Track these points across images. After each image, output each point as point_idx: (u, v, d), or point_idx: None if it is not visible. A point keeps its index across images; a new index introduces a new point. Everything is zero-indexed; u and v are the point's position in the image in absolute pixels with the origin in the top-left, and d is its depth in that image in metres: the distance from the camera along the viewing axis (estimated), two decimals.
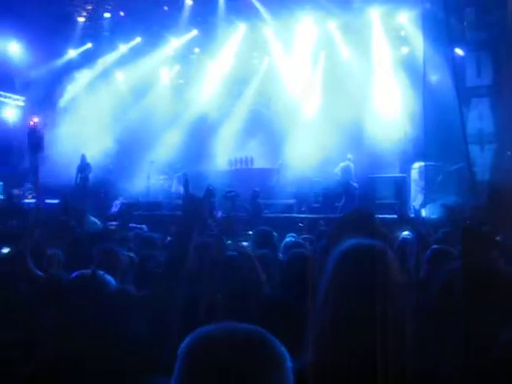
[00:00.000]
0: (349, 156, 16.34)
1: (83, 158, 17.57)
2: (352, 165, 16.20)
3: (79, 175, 17.50)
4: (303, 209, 16.01)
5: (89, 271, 2.52)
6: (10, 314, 3.08)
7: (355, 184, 15.82)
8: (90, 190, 17.32)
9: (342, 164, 16.18)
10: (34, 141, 15.98)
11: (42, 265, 4.00)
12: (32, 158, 17.97)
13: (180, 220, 2.17)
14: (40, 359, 2.22)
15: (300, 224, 10.55)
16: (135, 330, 2.10)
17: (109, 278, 2.53)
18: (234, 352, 1.30)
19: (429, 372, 1.82)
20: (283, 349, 1.36)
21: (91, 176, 17.56)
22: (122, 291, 2.45)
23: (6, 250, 4.36)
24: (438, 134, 13.58)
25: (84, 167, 17.50)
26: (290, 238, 6.47)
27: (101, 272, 2.52)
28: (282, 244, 6.01)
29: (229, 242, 5.77)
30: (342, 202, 15.30)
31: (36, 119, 16.62)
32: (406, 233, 5.19)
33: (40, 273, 3.74)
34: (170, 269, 2.14)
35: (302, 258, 3.88)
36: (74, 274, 2.57)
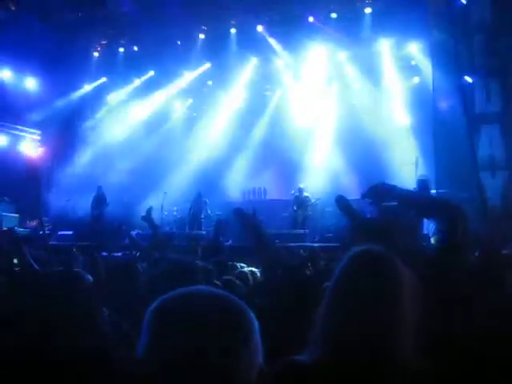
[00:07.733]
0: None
1: (99, 189, 17.63)
2: None
3: (95, 207, 17.51)
4: (316, 239, 15.94)
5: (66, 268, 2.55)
6: None
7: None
8: (106, 222, 17.30)
9: None
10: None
11: None
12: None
13: None
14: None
15: (301, 252, 10.41)
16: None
17: (87, 275, 2.53)
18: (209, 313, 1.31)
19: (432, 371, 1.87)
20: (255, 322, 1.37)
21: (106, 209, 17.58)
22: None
23: None
24: (449, 161, 13.52)
25: (100, 199, 17.51)
26: None
27: (79, 270, 2.54)
28: None
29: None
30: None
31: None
32: None
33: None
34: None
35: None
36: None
